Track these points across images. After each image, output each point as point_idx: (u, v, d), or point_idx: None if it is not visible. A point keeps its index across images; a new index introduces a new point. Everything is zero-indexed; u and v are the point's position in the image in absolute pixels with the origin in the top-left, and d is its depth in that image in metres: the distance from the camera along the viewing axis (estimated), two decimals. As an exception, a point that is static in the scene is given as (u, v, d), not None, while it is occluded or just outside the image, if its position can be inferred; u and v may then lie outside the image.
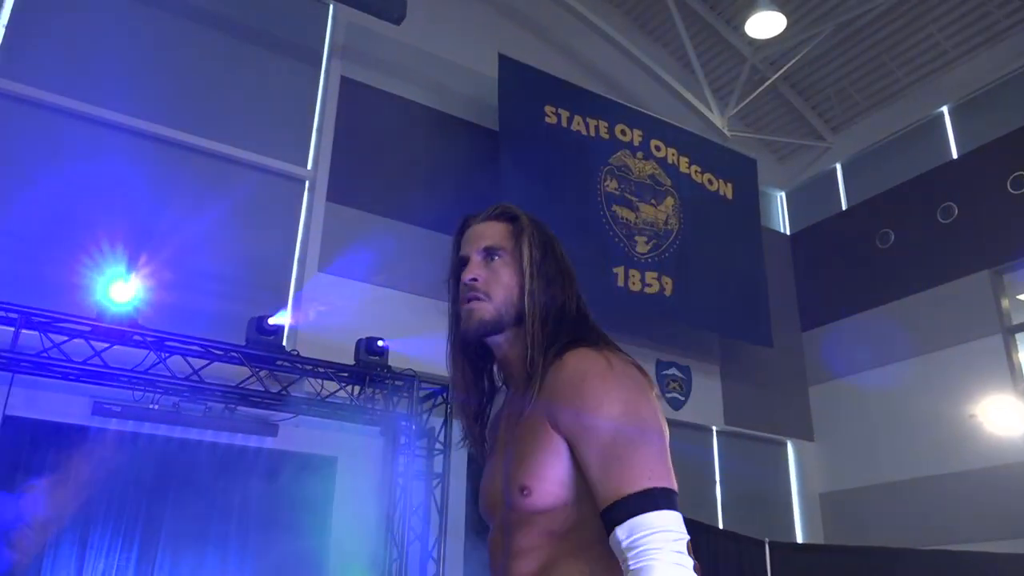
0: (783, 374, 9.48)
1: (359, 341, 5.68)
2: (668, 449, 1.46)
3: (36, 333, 4.75)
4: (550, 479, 1.41)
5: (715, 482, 8.75)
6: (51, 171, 5.96)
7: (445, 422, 5.77)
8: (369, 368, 5.53)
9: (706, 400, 8.91)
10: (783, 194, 10.75)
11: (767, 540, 7.57)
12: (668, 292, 8.30)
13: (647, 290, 8.17)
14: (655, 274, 8.32)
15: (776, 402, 9.33)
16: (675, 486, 1.40)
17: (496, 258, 1.57)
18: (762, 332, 8.81)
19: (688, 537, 1.31)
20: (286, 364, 5.41)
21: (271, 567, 5.39)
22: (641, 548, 1.28)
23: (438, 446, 5.76)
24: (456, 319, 1.59)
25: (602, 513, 1.35)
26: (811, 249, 10.17)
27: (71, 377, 4.85)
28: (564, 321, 1.57)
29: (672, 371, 8.84)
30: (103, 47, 6.46)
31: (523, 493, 1.41)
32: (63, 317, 4.75)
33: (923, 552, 7.00)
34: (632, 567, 1.28)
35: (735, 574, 6.12)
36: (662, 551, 1.28)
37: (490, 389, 1.64)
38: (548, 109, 8.12)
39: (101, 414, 4.89)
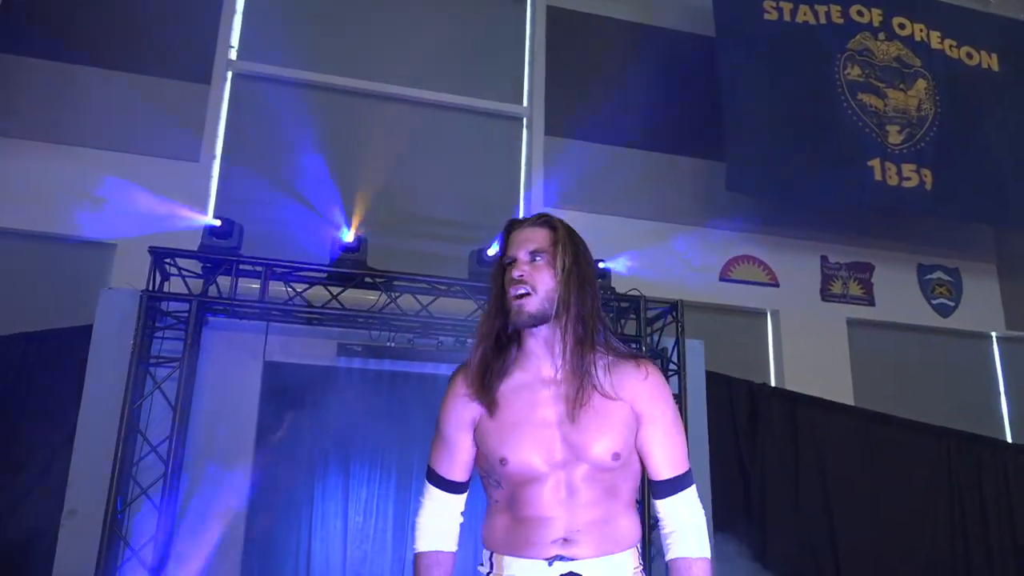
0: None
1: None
2: None
3: (281, 283, 5.14)
4: (631, 449, 1.89)
5: (999, 393, 7.83)
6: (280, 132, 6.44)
7: (676, 342, 5.58)
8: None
9: (981, 303, 7.96)
10: (1063, 56, 9.21)
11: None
12: (928, 186, 7.43)
13: (905, 184, 7.37)
14: (913, 166, 7.48)
15: (1070, 298, 8.14)
16: None
17: (538, 259, 1.87)
18: (1045, 219, 7.68)
19: None
20: (509, 294, 5.45)
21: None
22: (696, 506, 1.92)
23: (672, 367, 5.59)
24: (498, 302, 1.90)
25: (666, 481, 1.91)
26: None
27: (315, 322, 5.21)
28: (595, 320, 1.91)
29: (937, 275, 7.98)
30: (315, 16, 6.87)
31: (615, 458, 1.84)
32: (301, 265, 5.10)
33: None
34: (694, 521, 1.91)
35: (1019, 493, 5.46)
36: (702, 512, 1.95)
37: (504, 358, 1.94)
38: (768, 4, 7.48)
39: (345, 354, 5.21)
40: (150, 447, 4.67)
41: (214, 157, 6.55)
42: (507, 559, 1.85)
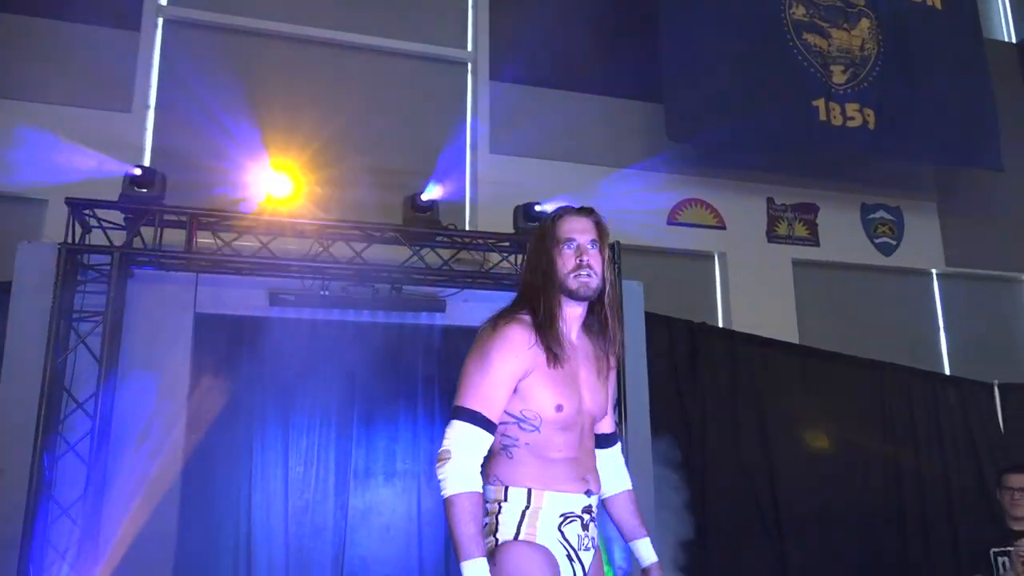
0: (1016, 203, 8.32)
1: (516, 208, 5.56)
2: None
3: (208, 233, 5.03)
4: None
5: (938, 328, 7.96)
6: (214, 80, 6.27)
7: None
8: (528, 235, 5.39)
9: (922, 241, 8.06)
10: (1006, -5, 9.23)
11: (996, 382, 6.85)
12: (871, 125, 7.45)
13: (849, 123, 7.39)
14: (856, 106, 7.49)
15: (1008, 236, 8.23)
16: None
17: (594, 248, 2.23)
18: (990, 155, 7.71)
19: None
20: (444, 240, 5.41)
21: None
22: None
23: (609, 309, 5.58)
24: (554, 273, 2.21)
25: (613, 434, 2.49)
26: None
27: (245, 272, 5.12)
28: None
29: (880, 214, 8.06)
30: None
31: (603, 414, 2.36)
32: (227, 215, 4.98)
33: None
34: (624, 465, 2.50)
35: (959, 420, 5.56)
36: None
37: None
38: (712, -57, 7.39)
39: (278, 304, 5.13)
40: (76, 403, 4.58)
41: (148, 107, 6.36)
42: (548, 494, 2.12)
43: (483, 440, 2.09)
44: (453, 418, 2.10)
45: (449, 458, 2.04)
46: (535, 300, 2.21)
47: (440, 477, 2.04)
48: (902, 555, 6.45)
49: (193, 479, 5.14)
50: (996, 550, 3.97)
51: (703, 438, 6.16)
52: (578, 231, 2.24)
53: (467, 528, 1.98)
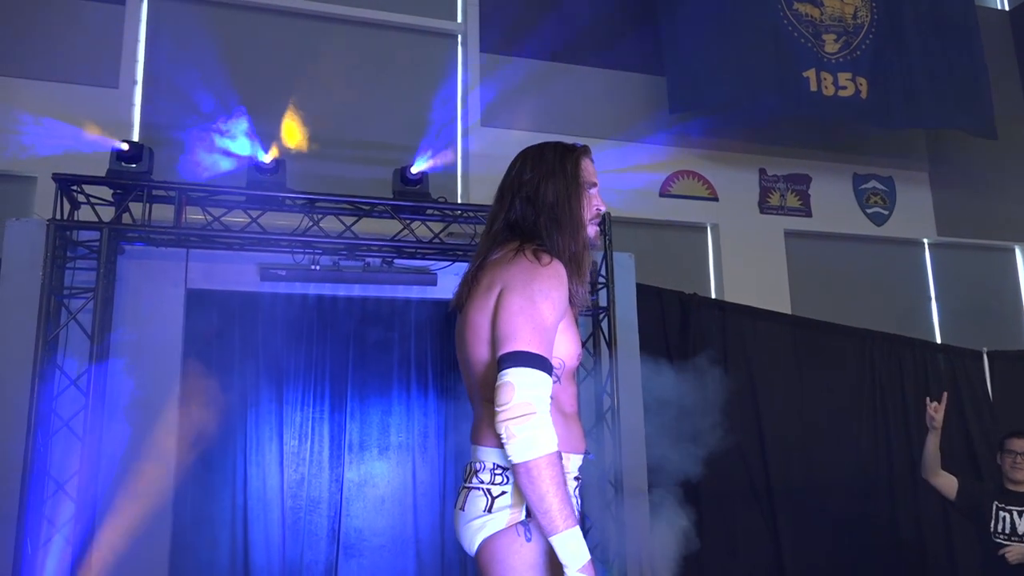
0: (1008, 172, 8.33)
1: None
2: None
3: (197, 209, 5.02)
4: None
5: (929, 298, 7.99)
6: (201, 55, 6.23)
7: (604, 255, 5.57)
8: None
9: (914, 211, 8.08)
10: (1000, -39, 9.19)
11: (984, 350, 6.89)
12: (864, 94, 7.42)
13: (841, 93, 7.36)
14: (848, 75, 7.46)
15: (1000, 205, 8.25)
16: None
17: None
18: (984, 122, 7.70)
19: None
20: (435, 213, 5.40)
21: (456, 407, 5.58)
22: None
23: (600, 280, 5.59)
24: (583, 217, 2.04)
25: None
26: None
27: (235, 247, 5.11)
28: None
29: (872, 184, 8.06)
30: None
31: None
32: (216, 189, 4.97)
33: None
34: None
35: (949, 387, 5.61)
36: None
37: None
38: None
39: (269, 279, 5.12)
40: (69, 380, 4.59)
41: (135, 82, 6.32)
42: (567, 456, 1.89)
43: (552, 388, 1.79)
44: (516, 365, 1.74)
45: (534, 413, 1.70)
46: (556, 236, 1.97)
47: (522, 436, 1.69)
48: (892, 521, 6.51)
49: (188, 454, 5.16)
50: (999, 503, 4.08)
51: (694, 407, 6.18)
52: (595, 175, 2.13)
53: (563, 491, 1.70)
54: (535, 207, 2.01)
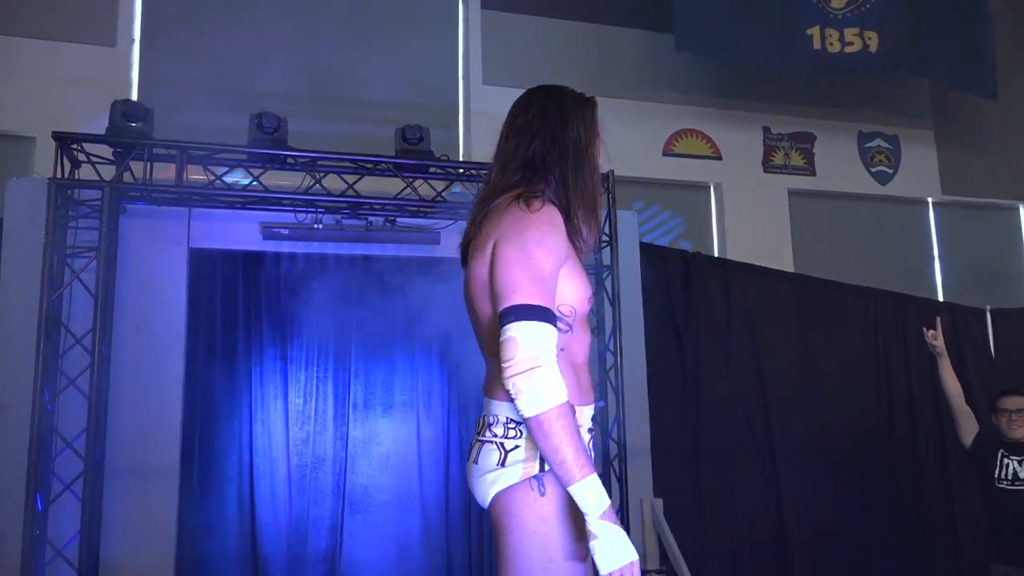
0: (1013, 131, 8.26)
1: (506, 137, 5.50)
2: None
3: (199, 168, 4.99)
4: None
5: (933, 257, 7.98)
6: (200, 13, 6.17)
7: (608, 214, 5.55)
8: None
9: (919, 170, 8.02)
10: (1009, -89, 8.99)
11: (988, 308, 6.89)
12: (873, 48, 7.30)
13: (847, 49, 7.24)
14: (855, 30, 7.32)
15: (1005, 164, 8.19)
16: None
17: None
18: (986, 83, 7.61)
19: None
20: (438, 171, 5.37)
21: (460, 365, 5.60)
22: None
23: (604, 238, 5.58)
24: (597, 163, 2.01)
25: None
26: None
27: (237, 205, 5.10)
28: None
29: (877, 143, 8.00)
30: None
31: None
32: (217, 147, 4.94)
33: None
34: None
35: (952, 345, 5.62)
36: None
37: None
38: None
39: (272, 238, 5.11)
40: (74, 339, 4.61)
41: (133, 40, 6.26)
42: (580, 409, 1.84)
43: (555, 337, 1.73)
44: (518, 319, 1.69)
45: (539, 366, 1.66)
46: (576, 177, 1.92)
47: (530, 391, 1.65)
48: (893, 476, 6.56)
49: (193, 413, 5.21)
50: (1003, 452, 4.14)
51: (697, 366, 6.21)
52: (603, 129, 2.09)
53: (576, 440, 1.67)
54: (559, 146, 1.93)
